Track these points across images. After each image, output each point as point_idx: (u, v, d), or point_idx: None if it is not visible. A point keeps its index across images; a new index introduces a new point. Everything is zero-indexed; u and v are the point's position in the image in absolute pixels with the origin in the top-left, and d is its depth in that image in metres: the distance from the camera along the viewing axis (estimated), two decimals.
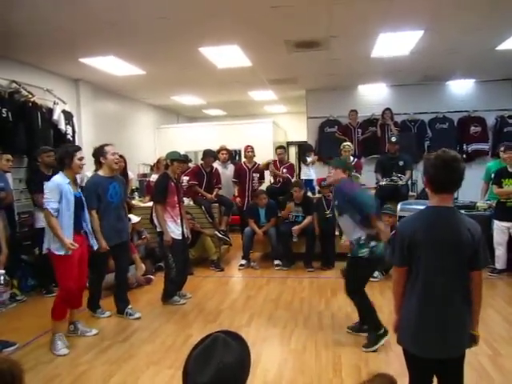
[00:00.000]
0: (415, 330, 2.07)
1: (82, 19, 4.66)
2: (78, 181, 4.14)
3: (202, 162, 6.97)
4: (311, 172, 7.65)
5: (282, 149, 7.49)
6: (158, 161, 7.27)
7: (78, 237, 3.79)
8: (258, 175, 7.28)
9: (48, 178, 3.91)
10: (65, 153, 3.78)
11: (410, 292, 2.09)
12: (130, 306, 4.59)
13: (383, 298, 4.83)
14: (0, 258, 3.75)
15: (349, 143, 7.28)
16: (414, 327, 2.07)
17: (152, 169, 8.40)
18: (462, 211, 5.54)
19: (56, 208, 3.61)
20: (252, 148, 7.30)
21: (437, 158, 2.03)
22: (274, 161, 7.33)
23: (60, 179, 3.71)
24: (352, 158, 7.12)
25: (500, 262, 5.54)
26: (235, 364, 1.34)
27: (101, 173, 4.32)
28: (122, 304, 4.58)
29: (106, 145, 4.36)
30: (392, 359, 3.28)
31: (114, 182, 4.34)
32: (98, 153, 4.32)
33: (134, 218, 6.02)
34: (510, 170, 5.45)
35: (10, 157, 5.10)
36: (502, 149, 5.83)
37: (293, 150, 13.05)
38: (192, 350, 1.41)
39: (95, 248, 4.07)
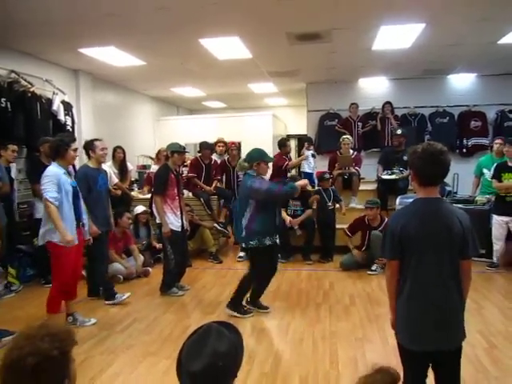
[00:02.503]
0: (412, 325, 2.06)
1: (81, 9, 4.63)
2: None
3: (199, 154, 6.96)
4: (311, 165, 7.61)
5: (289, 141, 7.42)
6: (159, 152, 7.23)
7: (77, 229, 3.81)
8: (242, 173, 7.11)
9: None
10: (60, 142, 3.77)
11: (404, 286, 2.08)
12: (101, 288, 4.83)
13: (381, 291, 4.84)
14: None
15: (348, 136, 7.26)
16: (410, 322, 2.07)
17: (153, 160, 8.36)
18: (461, 205, 5.62)
19: (55, 197, 3.57)
20: (237, 146, 7.11)
21: (424, 151, 2.03)
22: (282, 154, 7.20)
23: (56, 169, 3.69)
24: (351, 152, 7.10)
25: (498, 256, 5.55)
26: (228, 353, 1.36)
27: (90, 164, 4.50)
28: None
29: (97, 140, 4.54)
30: (389, 351, 3.28)
31: (102, 173, 4.56)
32: (88, 146, 4.51)
33: (140, 208, 6.04)
34: (510, 164, 5.44)
35: (15, 147, 5.12)
36: (499, 141, 6.04)
37: (293, 143, 13.01)
38: (186, 340, 1.42)
39: (87, 238, 4.08)
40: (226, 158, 7.23)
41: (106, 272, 4.71)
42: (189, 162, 7.14)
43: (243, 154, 7.25)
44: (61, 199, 3.64)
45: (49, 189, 3.58)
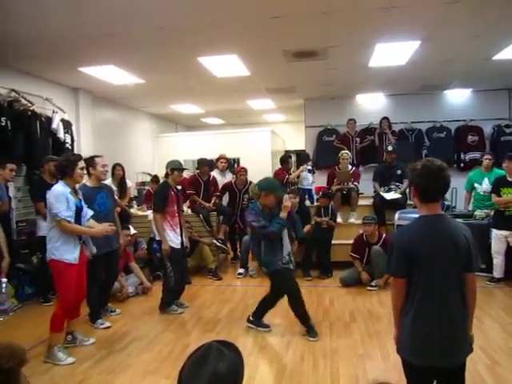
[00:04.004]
0: (415, 340, 2.05)
1: (80, 29, 4.71)
2: None
3: (197, 170, 6.98)
4: (309, 181, 7.61)
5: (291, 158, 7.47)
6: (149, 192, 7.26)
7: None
8: (248, 196, 6.94)
9: (51, 187, 3.89)
10: (67, 162, 3.75)
11: (410, 302, 2.07)
12: (109, 304, 4.89)
13: (382, 307, 4.83)
14: (2, 266, 3.69)
15: (347, 151, 7.29)
16: (414, 337, 2.06)
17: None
18: (460, 220, 5.63)
19: (70, 215, 3.56)
20: (245, 171, 7.01)
21: (423, 168, 2.05)
22: (283, 169, 7.21)
23: (62, 188, 3.66)
24: (350, 167, 7.13)
25: (498, 271, 5.54)
26: (228, 372, 1.35)
27: (88, 183, 4.40)
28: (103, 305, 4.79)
29: (97, 156, 4.48)
30: (390, 368, 3.26)
31: (102, 191, 4.44)
32: (88, 163, 4.39)
33: (131, 230, 5.96)
34: (509, 179, 5.46)
35: (14, 166, 5.12)
36: (488, 156, 6.21)
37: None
38: (187, 359, 1.42)
39: (91, 257, 4.03)
40: (232, 181, 7.18)
41: (96, 294, 4.46)
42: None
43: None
44: None
45: (61, 208, 3.54)
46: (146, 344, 4.03)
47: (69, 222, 3.57)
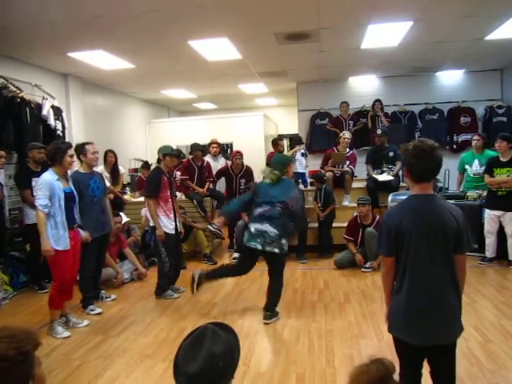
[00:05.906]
0: (407, 318, 2.08)
1: (69, 13, 4.61)
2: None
3: (191, 156, 6.95)
4: (303, 165, 7.59)
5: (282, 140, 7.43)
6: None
7: (71, 231, 3.87)
8: (245, 180, 6.93)
9: (36, 175, 3.96)
10: (56, 149, 3.85)
11: (400, 281, 2.10)
12: (103, 291, 4.88)
13: (375, 288, 4.88)
14: None
15: (348, 132, 7.27)
16: (405, 315, 2.09)
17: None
18: (452, 201, 5.67)
19: (45, 204, 3.66)
20: (241, 154, 6.93)
21: (415, 148, 2.06)
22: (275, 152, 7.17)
23: (49, 176, 3.78)
24: (348, 150, 7.10)
25: (490, 251, 5.60)
26: (224, 353, 1.36)
27: (81, 169, 4.47)
28: (95, 291, 4.76)
29: (87, 143, 4.53)
30: (384, 347, 3.30)
31: (95, 177, 4.52)
32: (79, 150, 4.45)
33: (124, 218, 5.94)
34: (501, 159, 5.47)
35: (3, 153, 5.04)
36: (476, 137, 6.20)
37: (284, 143, 13.03)
38: (182, 342, 1.43)
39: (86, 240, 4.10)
40: (229, 165, 7.12)
41: (89, 279, 4.53)
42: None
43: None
44: (54, 207, 3.72)
45: (40, 196, 3.68)
46: (143, 329, 4.06)
47: (41, 210, 3.64)
